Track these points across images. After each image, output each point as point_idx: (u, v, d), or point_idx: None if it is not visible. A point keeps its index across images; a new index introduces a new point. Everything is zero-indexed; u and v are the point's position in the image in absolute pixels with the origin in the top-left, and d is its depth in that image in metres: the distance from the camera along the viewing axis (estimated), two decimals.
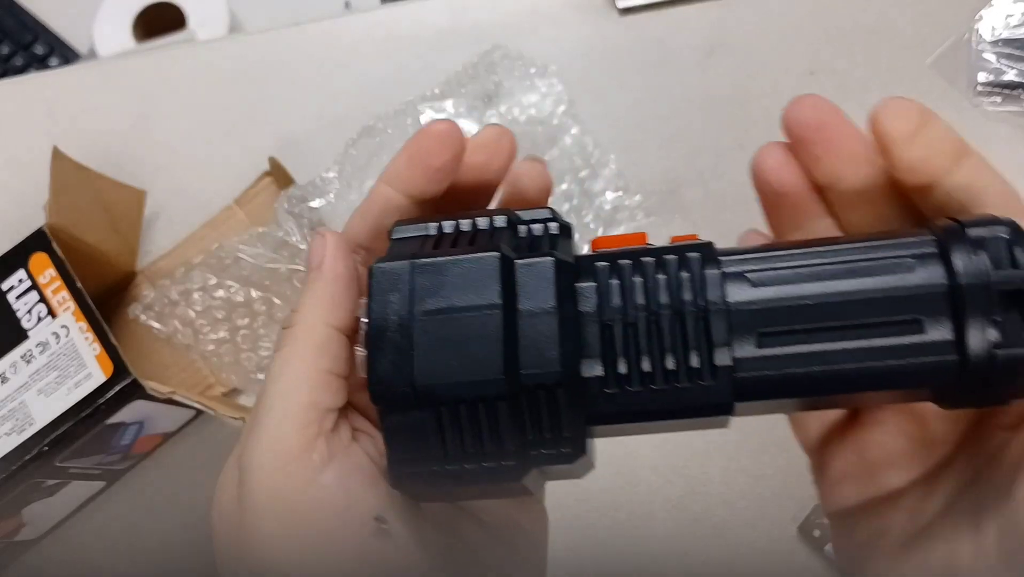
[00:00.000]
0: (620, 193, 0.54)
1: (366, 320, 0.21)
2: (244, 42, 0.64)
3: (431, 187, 0.25)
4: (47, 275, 0.45)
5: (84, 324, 0.43)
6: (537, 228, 0.23)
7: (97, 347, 0.43)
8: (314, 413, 0.22)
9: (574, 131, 0.54)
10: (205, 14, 0.83)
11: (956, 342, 0.20)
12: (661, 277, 0.21)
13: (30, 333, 0.44)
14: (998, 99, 0.53)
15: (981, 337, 0.20)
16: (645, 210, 0.53)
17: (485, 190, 0.26)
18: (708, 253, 0.22)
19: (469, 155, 0.25)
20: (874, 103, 0.23)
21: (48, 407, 0.42)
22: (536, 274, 0.21)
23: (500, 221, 0.23)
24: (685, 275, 0.21)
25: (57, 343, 0.43)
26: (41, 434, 0.42)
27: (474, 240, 0.22)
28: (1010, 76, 0.52)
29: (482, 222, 0.23)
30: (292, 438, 0.22)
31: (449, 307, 0.20)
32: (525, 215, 0.23)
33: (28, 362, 0.43)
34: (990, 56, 0.53)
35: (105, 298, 0.53)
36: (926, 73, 0.55)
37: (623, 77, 0.58)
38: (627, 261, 0.22)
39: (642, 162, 0.55)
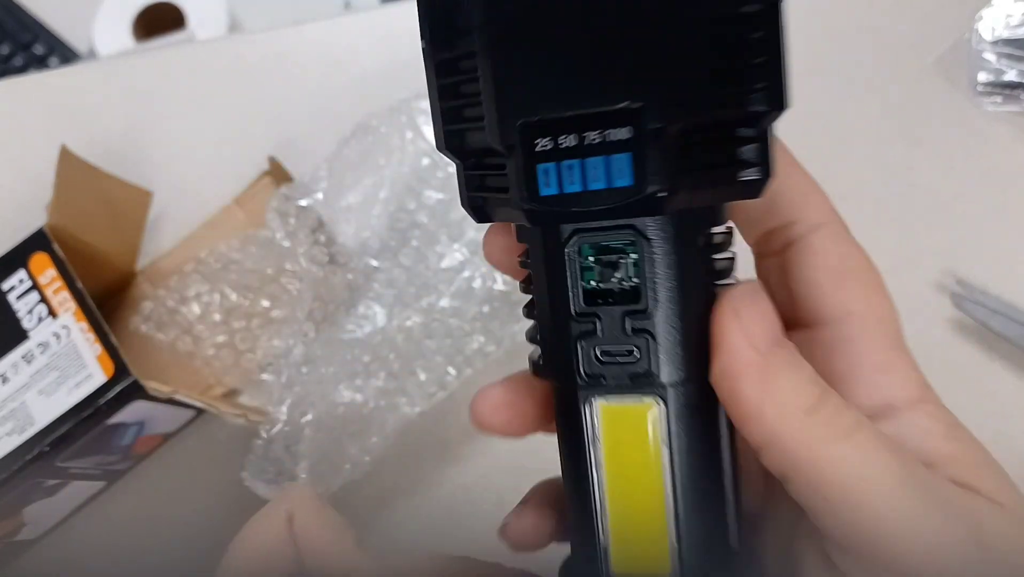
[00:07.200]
0: None
1: None
2: (244, 42, 0.64)
3: None
4: (48, 275, 0.45)
5: (85, 324, 0.43)
6: None
7: (98, 347, 0.43)
8: None
9: None
10: (205, 14, 0.83)
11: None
12: None
13: (31, 333, 0.44)
14: (998, 99, 0.53)
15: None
16: None
17: None
18: None
19: None
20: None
21: (49, 407, 0.42)
22: None
23: None
24: None
25: (58, 343, 0.43)
26: (42, 434, 0.42)
27: None
28: (1010, 76, 0.52)
29: None
30: None
31: None
32: None
33: (29, 362, 0.43)
34: (990, 56, 0.53)
35: (105, 298, 0.53)
36: (926, 73, 0.55)
37: None
38: None
39: None
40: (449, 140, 0.20)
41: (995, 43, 0.53)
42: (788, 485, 0.20)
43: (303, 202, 0.51)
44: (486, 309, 0.48)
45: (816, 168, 0.27)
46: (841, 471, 0.19)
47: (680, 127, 0.18)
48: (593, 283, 0.20)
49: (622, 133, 0.18)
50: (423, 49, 0.20)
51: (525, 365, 0.26)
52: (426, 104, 0.54)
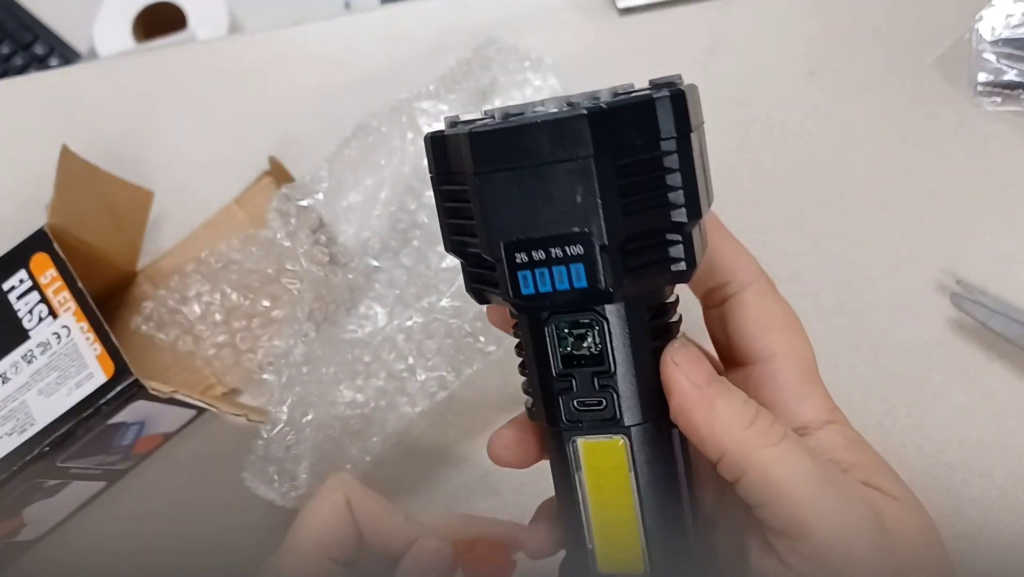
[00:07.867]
0: None
1: None
2: (244, 42, 0.64)
3: None
4: (48, 275, 0.45)
5: (85, 324, 0.43)
6: None
7: (98, 347, 0.43)
8: None
9: None
10: (205, 14, 0.83)
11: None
12: None
13: (31, 333, 0.44)
14: (998, 99, 0.53)
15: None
16: None
17: None
18: None
19: None
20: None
21: (49, 407, 0.42)
22: None
23: None
24: None
25: (58, 343, 0.43)
26: (42, 434, 0.42)
27: None
28: (1010, 76, 0.52)
29: None
30: None
31: None
32: None
33: (29, 362, 0.43)
34: (990, 56, 0.53)
35: (106, 298, 0.53)
36: (926, 73, 0.55)
37: (623, 77, 0.57)
38: None
39: None
40: (454, 245, 0.27)
41: (995, 43, 0.53)
42: (738, 487, 0.25)
43: (304, 202, 0.51)
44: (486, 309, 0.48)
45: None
46: (774, 469, 0.24)
47: (620, 241, 0.23)
48: (568, 351, 0.26)
49: (577, 249, 0.24)
50: (431, 179, 0.26)
51: None
52: (426, 105, 0.55)
